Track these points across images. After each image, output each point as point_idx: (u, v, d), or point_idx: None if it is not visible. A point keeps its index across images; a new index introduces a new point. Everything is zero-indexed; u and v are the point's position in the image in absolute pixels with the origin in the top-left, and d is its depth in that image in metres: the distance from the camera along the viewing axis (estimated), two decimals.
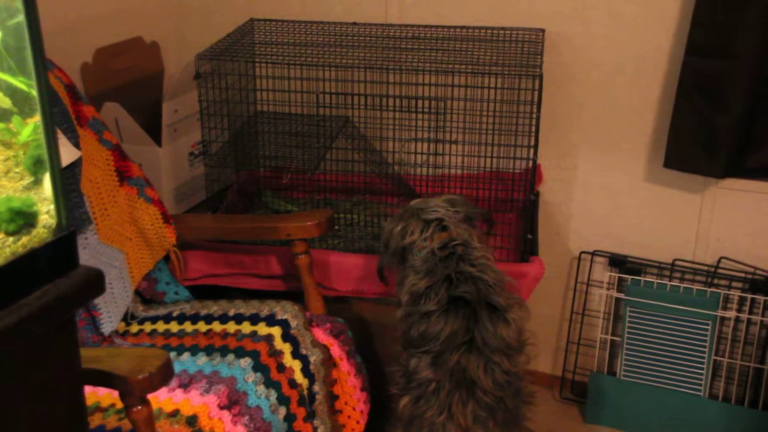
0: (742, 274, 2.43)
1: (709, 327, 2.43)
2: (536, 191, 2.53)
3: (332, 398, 2.00)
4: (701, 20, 2.24)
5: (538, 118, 2.25)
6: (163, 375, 1.36)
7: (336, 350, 2.02)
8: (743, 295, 2.42)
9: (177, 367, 1.74)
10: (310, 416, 1.88)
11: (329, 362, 1.99)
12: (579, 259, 2.62)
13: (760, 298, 2.39)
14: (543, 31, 2.42)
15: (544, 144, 2.50)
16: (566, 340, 2.69)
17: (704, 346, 2.44)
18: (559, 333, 2.72)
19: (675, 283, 2.49)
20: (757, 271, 2.42)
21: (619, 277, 2.54)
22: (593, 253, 2.59)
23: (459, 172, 2.45)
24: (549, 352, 2.75)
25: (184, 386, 1.68)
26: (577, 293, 2.64)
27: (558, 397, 2.71)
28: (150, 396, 1.42)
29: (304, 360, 1.91)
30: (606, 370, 2.62)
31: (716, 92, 2.26)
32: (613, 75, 2.45)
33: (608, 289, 2.56)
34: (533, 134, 2.26)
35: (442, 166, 2.38)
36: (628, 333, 2.52)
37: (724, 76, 2.23)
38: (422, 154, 2.40)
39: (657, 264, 2.52)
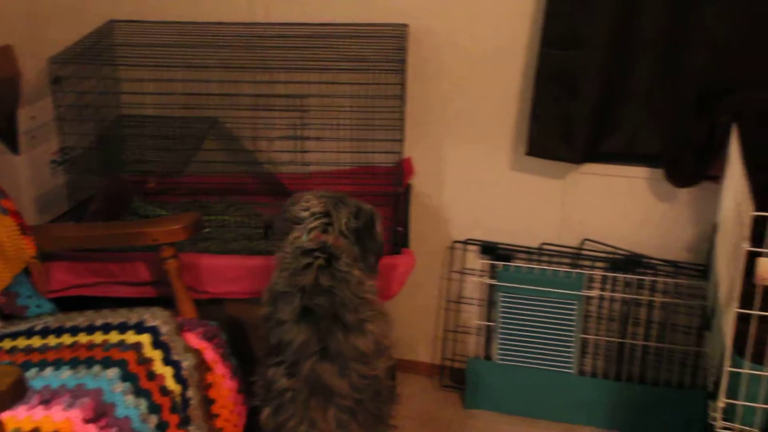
0: (604, 254, 2.55)
1: (576, 306, 2.53)
2: (407, 184, 2.56)
3: (208, 403, 1.97)
4: (555, 12, 2.32)
5: (403, 112, 2.29)
6: (15, 393, 1.31)
7: (210, 354, 1.99)
8: (605, 274, 2.53)
9: (39, 383, 1.68)
10: (185, 422, 1.85)
11: (203, 366, 1.96)
12: (452, 248, 2.68)
13: (621, 276, 2.51)
14: (406, 26, 2.46)
15: (413, 137, 2.55)
16: (443, 329, 2.75)
17: (572, 325, 2.55)
18: (437, 322, 2.78)
19: (543, 266, 2.58)
20: (618, 251, 2.54)
21: (490, 263, 2.62)
22: (465, 242, 2.66)
23: (331, 168, 2.46)
24: (427, 341, 2.80)
25: (45, 402, 1.62)
26: (451, 282, 2.70)
27: (438, 386, 2.77)
28: (6, 416, 1.37)
29: (176, 366, 1.88)
30: (483, 355, 2.69)
31: (571, 82, 2.35)
32: (476, 68, 2.51)
33: (481, 276, 2.64)
34: (400, 128, 2.30)
35: (312, 163, 2.39)
36: (502, 318, 2.60)
37: (578, 65, 2.33)
38: (291, 152, 2.41)
39: (526, 249, 2.61)
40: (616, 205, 2.53)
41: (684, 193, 2.45)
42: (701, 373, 2.48)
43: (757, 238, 1.71)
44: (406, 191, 2.54)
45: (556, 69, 2.36)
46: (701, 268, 2.45)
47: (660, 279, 2.49)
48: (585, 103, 2.36)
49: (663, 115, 2.37)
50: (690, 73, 2.29)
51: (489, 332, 2.67)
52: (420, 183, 2.64)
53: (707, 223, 2.42)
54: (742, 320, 1.76)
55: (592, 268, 2.55)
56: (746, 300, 1.75)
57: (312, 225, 1.94)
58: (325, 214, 1.95)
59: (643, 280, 2.50)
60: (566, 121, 2.39)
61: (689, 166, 2.36)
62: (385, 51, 2.34)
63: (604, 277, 2.54)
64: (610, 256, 2.54)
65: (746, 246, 1.69)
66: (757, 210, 1.69)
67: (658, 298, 2.51)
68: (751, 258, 1.71)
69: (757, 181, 2.09)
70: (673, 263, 2.50)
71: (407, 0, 2.49)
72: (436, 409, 2.66)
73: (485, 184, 2.61)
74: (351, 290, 1.84)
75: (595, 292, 2.54)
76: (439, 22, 2.49)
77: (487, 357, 2.68)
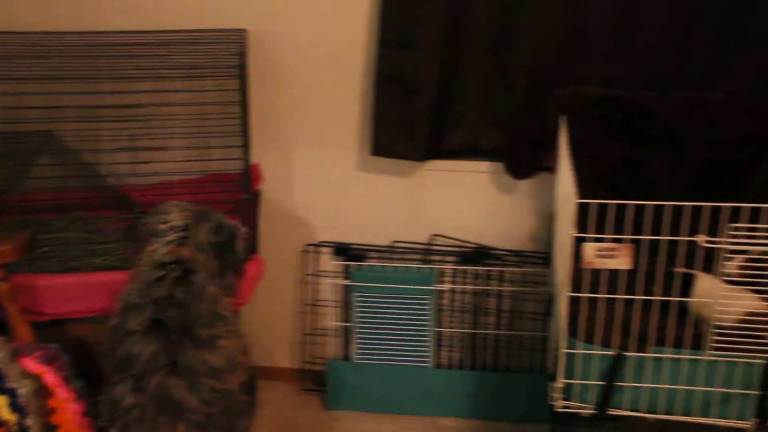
0: (453, 248, 2.61)
1: (429, 301, 2.58)
2: (256, 190, 2.55)
3: (51, 429, 1.89)
4: (389, 14, 2.37)
5: (245, 118, 2.27)
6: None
7: (50, 378, 1.91)
8: (455, 267, 2.60)
9: None
10: None
11: (43, 392, 1.88)
12: (305, 251, 2.68)
13: (470, 268, 2.58)
14: (245, 31, 2.44)
15: (260, 143, 2.54)
16: (301, 333, 2.75)
17: (427, 320, 2.60)
18: (294, 326, 2.77)
19: (395, 263, 2.62)
20: (466, 244, 2.61)
21: (344, 264, 2.63)
22: (318, 245, 2.66)
23: (177, 177, 2.41)
24: (286, 346, 2.79)
25: None
26: (307, 285, 2.71)
27: (299, 390, 2.76)
28: None
29: (12, 394, 1.79)
30: (342, 356, 2.71)
31: (409, 82, 2.40)
32: (319, 71, 2.53)
33: (335, 277, 2.65)
34: (243, 134, 2.28)
35: (157, 173, 2.33)
36: (358, 317, 2.62)
37: (414, 66, 2.38)
38: (134, 163, 2.34)
39: (377, 248, 2.64)
40: (462, 200, 2.60)
41: (524, 185, 2.55)
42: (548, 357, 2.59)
43: (582, 225, 1.80)
44: (255, 197, 2.52)
45: (393, 70, 2.40)
46: (544, 256, 2.55)
47: (507, 269, 2.58)
48: (424, 102, 2.41)
49: (499, 110, 2.45)
50: (521, 69, 2.38)
51: (346, 333, 2.69)
52: (270, 188, 2.63)
53: (546, 213, 2.52)
54: (574, 303, 1.84)
55: (443, 262, 2.61)
56: (576, 283, 1.84)
57: (170, 238, 1.90)
58: (184, 227, 1.91)
59: (491, 270, 2.58)
60: (407, 121, 2.43)
61: (525, 158, 2.46)
62: (224, 57, 2.31)
63: (455, 271, 2.60)
64: (459, 249, 2.61)
65: (573, 232, 1.78)
66: (581, 198, 1.77)
67: (506, 288, 2.60)
68: (578, 244, 1.80)
69: (581, 169, 2.20)
70: (518, 253, 2.59)
71: (246, 5, 2.47)
72: (297, 413, 2.65)
73: (335, 185, 2.63)
74: (205, 305, 1.81)
75: (446, 286, 2.60)
76: (280, 26, 2.49)
77: (346, 357, 2.70)
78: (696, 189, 2.36)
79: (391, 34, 2.38)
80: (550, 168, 2.43)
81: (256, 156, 2.51)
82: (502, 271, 2.58)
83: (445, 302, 2.64)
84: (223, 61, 2.27)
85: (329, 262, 2.67)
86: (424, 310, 2.59)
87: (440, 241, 2.63)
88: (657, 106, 2.33)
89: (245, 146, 2.29)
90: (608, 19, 2.33)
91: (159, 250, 1.89)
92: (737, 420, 1.81)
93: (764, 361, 1.76)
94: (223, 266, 1.97)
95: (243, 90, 2.26)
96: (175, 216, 1.94)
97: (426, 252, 2.62)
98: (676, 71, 2.35)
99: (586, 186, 2.23)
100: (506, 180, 2.53)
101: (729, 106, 2.29)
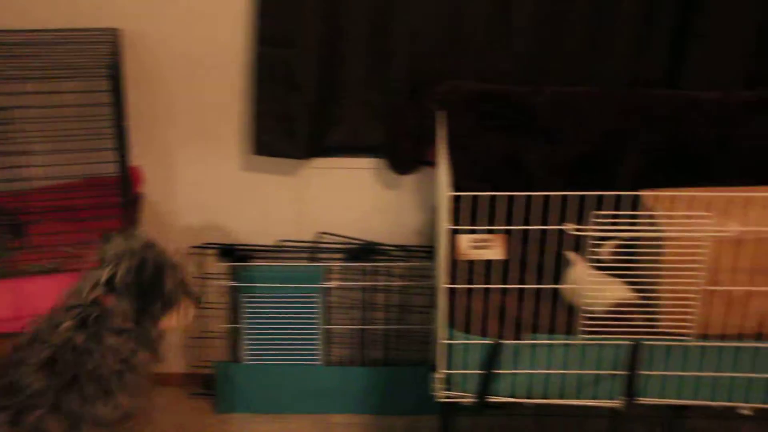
0: (340, 246, 2.62)
1: (317, 299, 2.58)
2: (136, 193, 2.49)
3: None
4: (266, 11, 2.35)
5: (120, 119, 2.22)
6: None
7: None
8: (343, 264, 2.60)
9: None
10: None
11: None
12: (190, 254, 2.63)
13: (357, 265, 2.59)
14: (117, 30, 2.38)
15: (139, 144, 2.48)
16: (190, 336, 2.71)
17: (316, 318, 2.60)
18: (183, 330, 2.72)
19: (282, 263, 2.60)
20: (352, 241, 2.62)
21: (230, 266, 2.60)
22: (203, 247, 2.62)
23: (52, 183, 2.33)
24: (175, 350, 2.74)
25: None
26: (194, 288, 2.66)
27: (188, 394, 2.72)
28: None
29: None
30: (231, 358, 2.68)
31: (289, 79, 2.39)
32: (198, 69, 2.48)
33: (222, 279, 2.62)
34: (119, 136, 2.22)
35: (30, 179, 2.25)
36: (247, 318, 2.60)
37: (293, 63, 2.37)
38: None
39: (264, 248, 2.62)
40: (347, 197, 2.61)
41: (408, 180, 2.58)
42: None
43: (458, 217, 1.83)
44: (135, 200, 2.46)
45: (273, 68, 2.39)
46: (429, 250, 2.58)
47: (394, 264, 2.60)
48: (304, 100, 2.41)
49: (380, 106, 2.47)
50: (401, 65, 2.40)
51: (235, 334, 2.66)
52: (151, 191, 2.57)
53: (430, 207, 2.56)
54: (451, 294, 1.88)
55: (330, 259, 2.62)
56: (453, 275, 1.87)
57: (94, 277, 1.78)
58: (105, 264, 1.79)
59: (378, 266, 2.60)
60: (288, 119, 2.43)
61: (407, 154, 2.49)
62: (94, 57, 2.25)
63: (342, 268, 2.61)
64: (346, 246, 2.62)
65: (448, 225, 1.81)
66: (457, 191, 1.81)
67: (394, 283, 2.62)
68: (454, 236, 1.83)
69: (463, 164, 2.24)
70: (404, 247, 2.61)
71: (118, 4, 2.41)
72: (187, 418, 2.61)
73: (218, 186, 2.59)
74: (108, 358, 1.73)
75: (334, 283, 2.61)
76: (155, 24, 2.43)
77: (236, 359, 2.67)
78: (572, 181, 2.43)
79: (268, 32, 2.36)
80: (432, 163, 2.46)
81: (136, 158, 2.46)
82: (389, 267, 2.60)
83: (333, 299, 2.64)
84: (94, 61, 2.20)
85: (215, 264, 2.64)
86: (312, 308, 2.59)
87: (327, 238, 2.63)
88: (532, 101, 2.40)
89: (122, 149, 2.23)
90: (483, 17, 2.38)
91: (81, 285, 1.79)
92: (608, 400, 1.88)
93: (631, 343, 1.83)
94: (142, 312, 1.79)
95: (116, 91, 2.20)
96: (111, 247, 1.82)
97: (313, 250, 2.62)
98: (549, 67, 2.43)
99: (467, 180, 2.28)
100: (390, 176, 2.55)
101: (597, 101, 2.37)
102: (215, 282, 2.64)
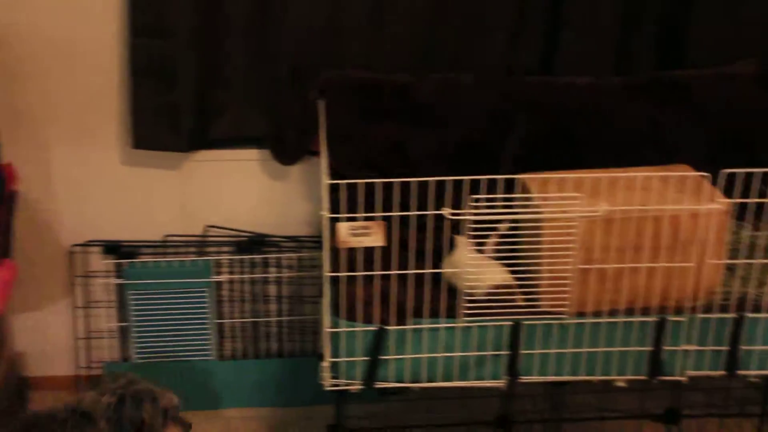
0: (229, 239, 2.59)
1: (207, 293, 2.54)
2: (10, 191, 2.39)
3: None
4: (138, 2, 2.30)
5: None
6: None
7: None
8: (232, 257, 2.57)
9: None
10: None
11: None
12: (72, 252, 2.55)
13: (247, 257, 2.57)
14: None
15: (12, 142, 2.39)
16: (75, 337, 2.63)
17: (206, 313, 2.56)
18: (68, 331, 2.64)
19: (169, 258, 2.55)
20: (241, 234, 2.59)
21: (115, 263, 2.54)
22: (85, 245, 2.55)
23: None
24: (61, 352, 2.65)
25: None
26: (78, 287, 2.59)
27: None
28: None
29: None
30: (120, 357, 2.61)
31: (167, 71, 2.34)
32: (73, 63, 2.41)
33: (107, 277, 2.55)
34: None
35: None
36: (135, 316, 2.54)
37: (170, 54, 2.33)
38: None
39: (150, 243, 2.56)
40: (234, 189, 2.58)
41: (294, 171, 2.57)
42: None
43: (335, 205, 1.83)
44: (10, 198, 2.36)
45: (149, 59, 2.34)
46: (318, 240, 2.58)
47: (284, 255, 2.59)
48: (184, 92, 2.37)
49: (263, 97, 2.45)
50: (282, 55, 2.39)
51: (124, 333, 2.59)
52: (29, 189, 2.48)
53: (317, 197, 2.55)
54: (335, 282, 1.88)
55: (219, 253, 2.58)
56: (335, 263, 1.87)
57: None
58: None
59: (268, 258, 2.58)
60: (168, 111, 2.38)
61: (292, 144, 2.47)
62: None
63: (232, 261, 2.58)
64: (235, 239, 2.59)
65: (327, 213, 1.81)
66: (331, 179, 1.80)
67: (285, 274, 2.61)
68: (333, 224, 1.83)
69: (348, 152, 2.25)
70: (294, 238, 2.60)
71: None
72: None
73: (99, 182, 2.52)
74: None
75: (224, 277, 2.58)
76: (25, 16, 2.34)
77: (125, 359, 2.61)
78: (457, 166, 2.46)
79: (142, 22, 2.31)
80: (317, 152, 2.46)
81: (8, 155, 2.37)
82: (279, 258, 2.59)
83: (224, 293, 2.61)
84: None
85: (100, 262, 2.57)
86: (203, 303, 2.55)
87: (215, 232, 2.59)
88: (414, 88, 2.42)
89: None
90: (365, 5, 2.39)
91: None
92: (492, 380, 1.92)
93: (512, 323, 1.87)
94: None
95: None
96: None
97: (201, 244, 2.58)
98: (430, 55, 2.45)
99: (353, 168, 2.29)
100: (276, 167, 2.54)
101: (477, 88, 2.41)
102: (101, 280, 2.57)
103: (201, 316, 2.56)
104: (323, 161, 2.06)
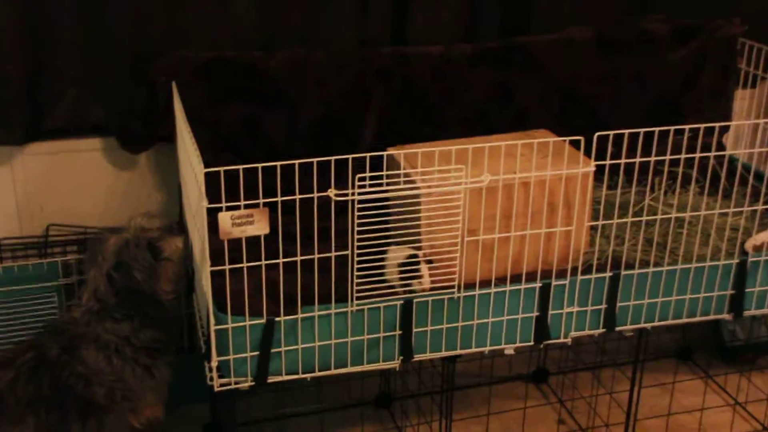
0: (75, 237, 2.38)
1: (55, 298, 2.32)
2: None
3: None
4: None
5: None
6: None
7: None
8: (80, 257, 2.36)
9: None
10: None
11: None
12: None
13: None
14: None
15: None
16: None
17: (55, 318, 2.34)
18: None
19: (8, 264, 2.31)
20: (88, 230, 2.38)
21: None
22: None
23: None
24: None
25: None
26: None
27: None
28: None
29: None
30: None
31: None
32: None
33: None
34: None
35: None
36: None
37: None
38: None
39: None
40: (77, 183, 2.37)
41: (144, 159, 2.40)
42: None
43: (213, 194, 1.70)
44: None
45: None
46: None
47: None
48: (12, 83, 2.16)
49: (101, 84, 2.28)
50: (119, 38, 2.22)
51: None
52: None
53: (173, 184, 2.39)
54: (218, 276, 1.75)
55: (65, 253, 2.37)
56: (217, 256, 1.75)
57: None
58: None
59: None
60: None
61: (138, 131, 2.31)
62: None
63: (80, 261, 2.36)
64: (83, 237, 2.38)
65: (205, 204, 1.68)
66: (207, 167, 1.67)
67: None
68: (212, 214, 1.70)
69: (202, 136, 2.10)
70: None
71: None
72: None
73: None
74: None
75: (74, 278, 2.36)
76: None
77: None
78: (315, 145, 2.39)
79: None
80: (169, 138, 2.30)
81: None
82: None
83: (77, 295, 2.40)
84: None
85: None
86: (51, 308, 2.33)
87: (59, 230, 2.37)
88: (264, 65, 2.32)
89: None
90: None
91: None
92: (387, 362, 1.88)
93: (402, 302, 1.84)
94: (139, 324, 1.72)
95: None
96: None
97: (43, 245, 2.35)
98: (278, 32, 2.36)
99: (210, 152, 2.15)
100: (123, 155, 2.35)
101: (329, 63, 2.35)
102: None
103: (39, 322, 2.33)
104: (183, 148, 1.92)
